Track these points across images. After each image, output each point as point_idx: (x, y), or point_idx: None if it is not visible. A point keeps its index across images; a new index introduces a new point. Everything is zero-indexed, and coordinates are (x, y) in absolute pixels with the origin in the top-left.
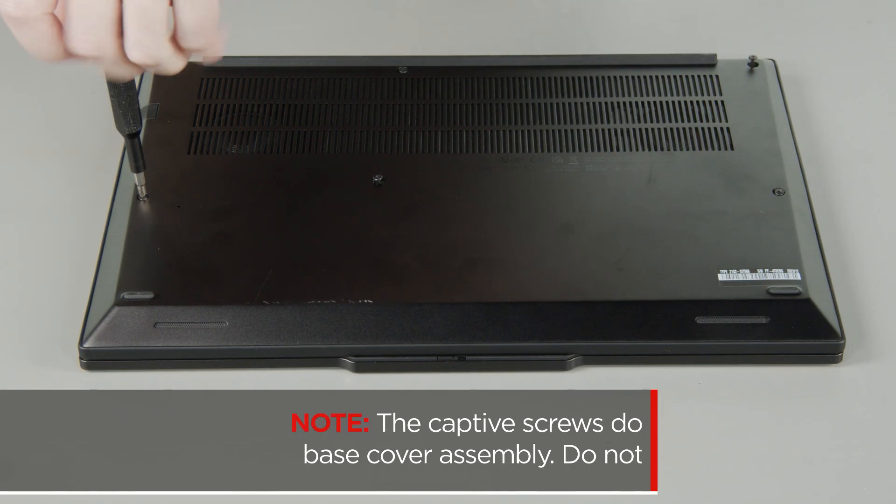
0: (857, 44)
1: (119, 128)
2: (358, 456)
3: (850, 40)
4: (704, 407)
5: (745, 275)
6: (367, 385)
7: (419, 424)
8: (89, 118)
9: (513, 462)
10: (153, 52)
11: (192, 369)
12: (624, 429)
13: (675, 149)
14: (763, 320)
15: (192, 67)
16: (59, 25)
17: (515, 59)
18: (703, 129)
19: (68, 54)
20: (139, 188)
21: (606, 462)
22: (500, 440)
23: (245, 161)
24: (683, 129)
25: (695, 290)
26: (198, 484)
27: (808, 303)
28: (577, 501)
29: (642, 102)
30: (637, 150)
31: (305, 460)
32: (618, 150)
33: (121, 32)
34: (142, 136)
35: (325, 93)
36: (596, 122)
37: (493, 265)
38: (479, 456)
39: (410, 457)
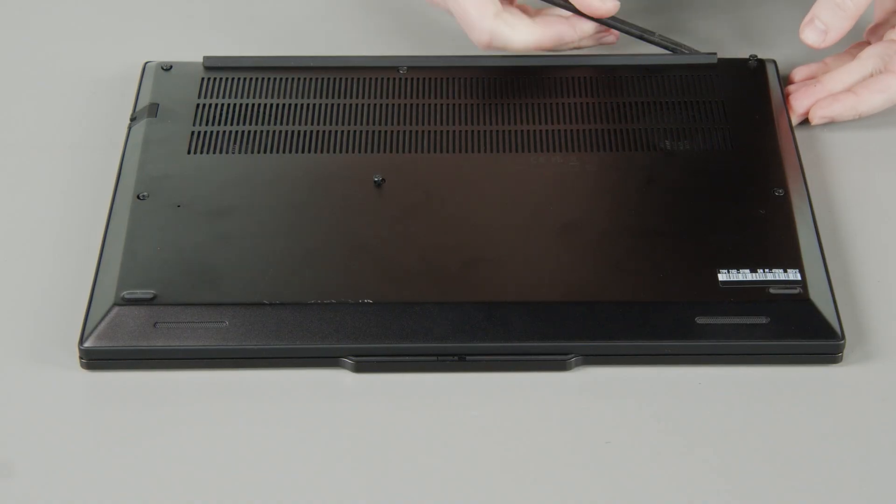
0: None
1: None
2: (358, 456)
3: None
4: (704, 407)
5: (745, 275)
6: (367, 385)
7: (419, 424)
8: (89, 117)
9: (513, 462)
10: None
11: (192, 369)
12: (624, 429)
13: (674, 149)
14: (763, 320)
15: (192, 67)
16: None
17: (515, 59)
18: (703, 129)
19: None
20: None
21: (605, 463)
22: (500, 440)
23: (245, 161)
24: (683, 129)
25: (695, 290)
26: (198, 485)
27: (808, 303)
28: (579, 502)
29: (642, 102)
30: (637, 150)
31: (305, 460)
32: (618, 150)
33: None
34: (142, 136)
35: (325, 93)
36: (596, 122)
37: (493, 265)
38: (478, 456)
39: (410, 457)
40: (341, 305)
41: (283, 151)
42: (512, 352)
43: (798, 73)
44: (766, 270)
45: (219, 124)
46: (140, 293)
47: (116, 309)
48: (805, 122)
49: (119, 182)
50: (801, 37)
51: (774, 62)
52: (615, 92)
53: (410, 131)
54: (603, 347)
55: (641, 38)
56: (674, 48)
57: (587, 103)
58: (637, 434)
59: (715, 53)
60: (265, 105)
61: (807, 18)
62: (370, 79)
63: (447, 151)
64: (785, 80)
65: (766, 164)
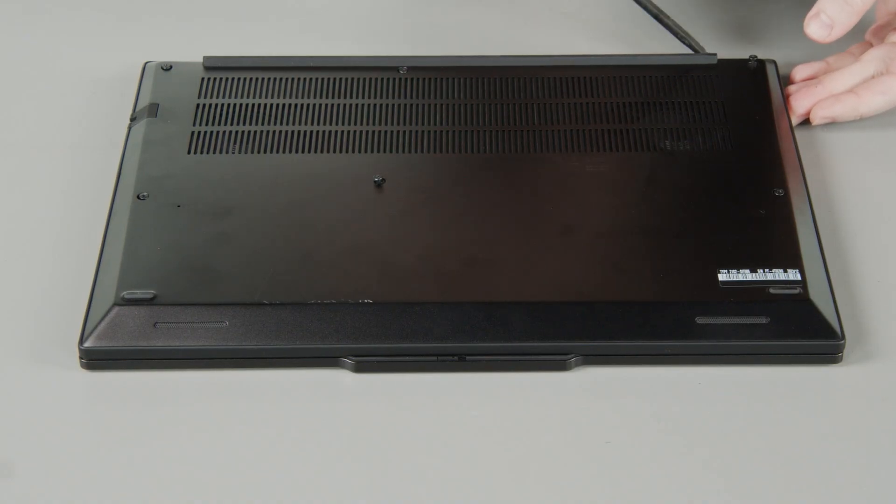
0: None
1: None
2: (358, 455)
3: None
4: (704, 407)
5: (745, 275)
6: (367, 385)
7: (419, 424)
8: (89, 117)
9: (513, 462)
10: None
11: (192, 369)
12: (624, 429)
13: (674, 149)
14: (763, 320)
15: (192, 67)
16: None
17: (515, 59)
18: (703, 129)
19: None
20: None
21: (605, 463)
22: (500, 440)
23: (245, 161)
24: (683, 129)
25: (695, 290)
26: (198, 485)
27: (808, 303)
28: (579, 502)
29: (642, 102)
30: (637, 150)
31: (305, 460)
32: (618, 150)
33: None
34: (142, 136)
35: (325, 93)
36: (596, 122)
37: (493, 265)
38: (478, 456)
39: (411, 457)
40: (341, 305)
41: (283, 151)
42: (512, 352)
43: (799, 72)
44: (766, 270)
45: (219, 124)
46: (140, 293)
47: (116, 309)
48: (805, 122)
49: (119, 182)
50: (806, 31)
51: (774, 62)
52: (615, 92)
53: (410, 131)
54: (603, 347)
55: (657, 18)
56: (682, 37)
57: (587, 103)
58: (637, 434)
59: (715, 54)
60: (265, 105)
61: (812, 12)
62: (370, 79)
63: (447, 151)
64: (785, 81)
65: (766, 164)
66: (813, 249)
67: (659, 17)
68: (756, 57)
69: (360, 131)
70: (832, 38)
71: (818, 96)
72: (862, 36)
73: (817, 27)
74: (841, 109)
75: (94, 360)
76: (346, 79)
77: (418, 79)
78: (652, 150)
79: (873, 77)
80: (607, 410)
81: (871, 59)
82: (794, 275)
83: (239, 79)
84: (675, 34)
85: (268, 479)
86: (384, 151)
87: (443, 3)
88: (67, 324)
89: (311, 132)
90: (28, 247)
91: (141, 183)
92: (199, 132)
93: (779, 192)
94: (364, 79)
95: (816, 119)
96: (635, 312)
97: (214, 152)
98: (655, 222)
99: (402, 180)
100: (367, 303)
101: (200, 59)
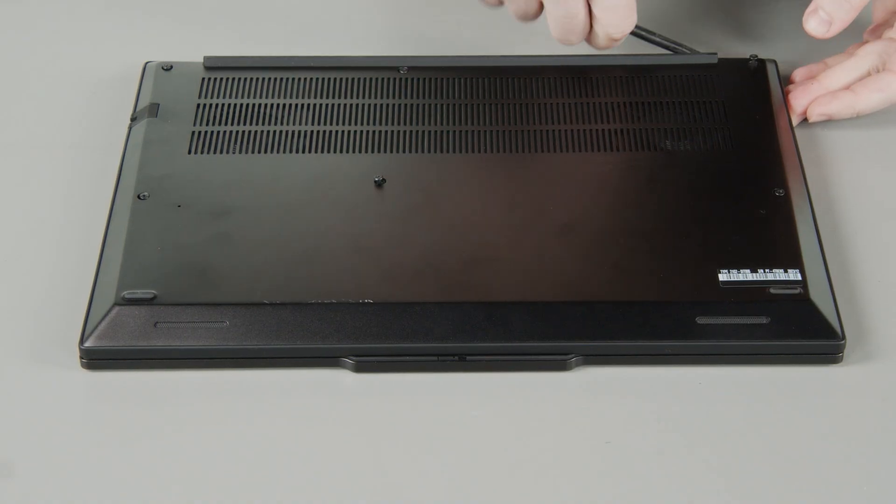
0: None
1: None
2: (358, 455)
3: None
4: (704, 407)
5: (745, 275)
6: (367, 385)
7: (419, 424)
8: (89, 117)
9: (513, 462)
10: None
11: (192, 369)
12: (624, 429)
13: (675, 149)
14: (763, 320)
15: (192, 67)
16: None
17: (515, 59)
18: (703, 129)
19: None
20: None
21: (605, 463)
22: (500, 440)
23: (245, 161)
24: (684, 129)
25: (695, 290)
26: (198, 485)
27: (808, 303)
28: (579, 502)
29: (642, 102)
30: (637, 150)
31: (305, 460)
32: (618, 150)
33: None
34: (142, 136)
35: (326, 93)
36: (596, 122)
37: (493, 265)
38: (478, 456)
39: (411, 457)
40: (341, 305)
41: (283, 151)
42: (512, 352)
43: (798, 75)
44: (767, 270)
45: (219, 124)
46: (140, 293)
47: (117, 309)
48: (805, 121)
49: (119, 182)
50: (805, 27)
51: (774, 62)
52: (615, 92)
53: (410, 131)
54: (603, 347)
55: (642, 37)
56: (674, 48)
57: (587, 103)
58: (637, 434)
59: (715, 53)
60: (265, 105)
61: (810, 8)
62: (370, 79)
63: (447, 151)
64: (785, 80)
65: (766, 164)
66: (813, 249)
67: (644, 36)
68: (756, 56)
69: (361, 131)
70: (831, 33)
71: (815, 93)
72: (860, 36)
73: (816, 23)
74: (838, 106)
75: (95, 359)
76: (346, 79)
77: (418, 79)
78: (652, 150)
79: (869, 73)
80: (607, 410)
81: (867, 55)
82: (794, 275)
83: (239, 79)
84: (667, 48)
85: (268, 478)
86: (384, 151)
87: (443, 3)
88: (67, 324)
89: (311, 132)
90: (28, 247)
91: (141, 183)
92: (199, 132)
93: (779, 192)
94: (364, 79)
95: (813, 116)
96: (635, 312)
97: (215, 152)
98: (655, 222)
99: (402, 180)
100: (368, 303)
101: (200, 59)
